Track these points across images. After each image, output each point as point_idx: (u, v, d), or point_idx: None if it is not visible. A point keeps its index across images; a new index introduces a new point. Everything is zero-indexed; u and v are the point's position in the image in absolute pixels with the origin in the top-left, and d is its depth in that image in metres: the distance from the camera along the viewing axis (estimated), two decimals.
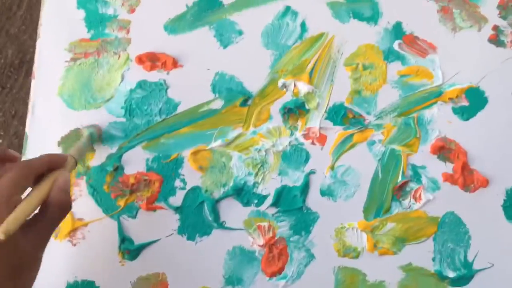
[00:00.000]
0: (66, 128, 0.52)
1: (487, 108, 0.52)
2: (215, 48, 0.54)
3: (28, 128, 0.52)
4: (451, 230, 0.49)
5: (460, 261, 0.48)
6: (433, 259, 0.49)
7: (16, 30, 0.73)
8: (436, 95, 0.52)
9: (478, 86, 0.53)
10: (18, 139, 0.76)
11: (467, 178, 0.50)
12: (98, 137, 0.50)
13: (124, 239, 0.49)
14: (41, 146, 0.52)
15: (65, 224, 0.49)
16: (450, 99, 0.52)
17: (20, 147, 0.53)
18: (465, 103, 0.52)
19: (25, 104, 0.54)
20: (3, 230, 0.29)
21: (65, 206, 0.35)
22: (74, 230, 0.49)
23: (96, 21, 0.55)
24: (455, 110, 0.52)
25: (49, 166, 0.36)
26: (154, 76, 0.53)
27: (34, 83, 0.54)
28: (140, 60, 0.54)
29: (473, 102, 0.52)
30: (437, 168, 0.50)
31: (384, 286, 0.48)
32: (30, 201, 0.32)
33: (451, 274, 0.48)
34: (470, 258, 0.48)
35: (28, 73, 0.57)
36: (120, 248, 0.49)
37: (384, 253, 0.48)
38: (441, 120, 0.52)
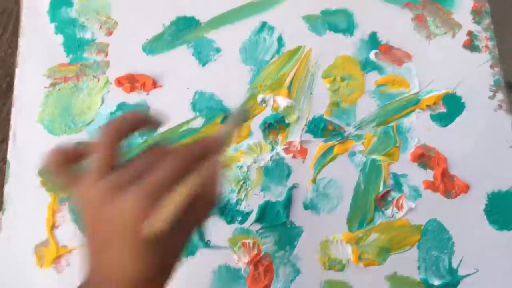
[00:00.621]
0: None
1: (464, 113, 0.53)
2: (194, 66, 0.55)
3: (10, 155, 0.52)
4: (435, 237, 0.49)
5: (445, 268, 0.49)
6: (418, 268, 0.49)
7: (2, 54, 0.73)
8: (413, 103, 0.53)
9: (454, 92, 0.53)
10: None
11: (448, 185, 0.50)
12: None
13: None
14: (23, 173, 0.51)
15: (50, 252, 0.49)
16: (428, 106, 0.53)
17: None
18: (442, 109, 0.53)
19: None
20: (152, 228, 0.27)
21: (213, 203, 0.32)
22: (58, 258, 0.49)
23: (75, 46, 0.56)
24: (433, 117, 0.52)
25: (206, 152, 0.32)
26: (134, 97, 0.54)
27: (14, 110, 0.54)
28: (119, 82, 0.54)
29: (450, 108, 0.53)
30: (418, 176, 0.51)
31: None
32: (180, 195, 0.29)
33: (437, 282, 0.48)
34: (454, 265, 0.49)
35: None
36: None
37: (370, 264, 0.49)
38: (420, 128, 0.52)
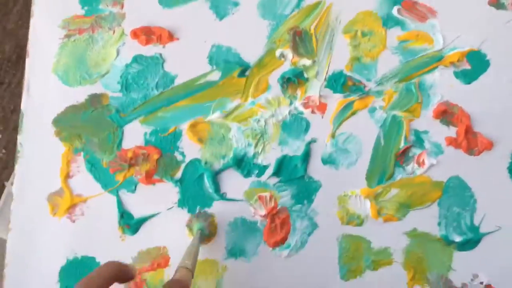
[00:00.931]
0: (62, 105, 0.51)
1: (489, 71, 0.51)
2: (211, 20, 0.54)
3: (23, 106, 0.52)
4: (456, 194, 0.48)
5: (466, 225, 0.47)
6: (439, 224, 0.48)
7: (13, 25, 0.73)
8: (437, 59, 0.51)
9: (479, 50, 0.52)
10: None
11: (471, 141, 0.49)
12: (210, 228, 0.48)
13: (123, 214, 0.48)
14: (37, 124, 0.51)
15: (64, 201, 0.49)
16: (452, 63, 0.51)
17: None
18: (466, 66, 0.51)
19: None
20: None
21: None
22: (73, 207, 0.49)
23: None
24: (457, 74, 0.51)
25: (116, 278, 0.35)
26: (150, 50, 0.53)
27: (28, 62, 0.53)
28: (135, 34, 0.53)
29: (474, 65, 0.51)
30: (440, 133, 0.49)
31: (389, 252, 0.47)
32: None
33: (458, 239, 0.47)
34: (476, 222, 0.47)
35: None
36: (120, 223, 0.48)
37: (389, 220, 0.48)
38: (443, 85, 0.51)
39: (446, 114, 0.50)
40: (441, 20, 0.53)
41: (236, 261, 0.47)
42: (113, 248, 0.48)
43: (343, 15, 0.53)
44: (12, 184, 0.50)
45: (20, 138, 0.51)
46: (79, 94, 0.51)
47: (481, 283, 0.46)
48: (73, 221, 0.49)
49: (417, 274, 0.47)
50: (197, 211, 0.48)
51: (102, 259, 0.48)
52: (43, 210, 0.49)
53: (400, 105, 0.50)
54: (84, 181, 0.49)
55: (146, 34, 0.53)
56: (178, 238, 0.48)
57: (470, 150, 0.49)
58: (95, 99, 0.51)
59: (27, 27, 0.55)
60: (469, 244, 0.47)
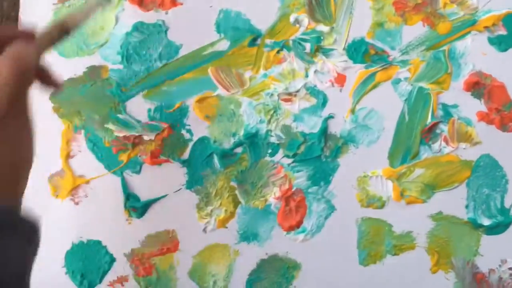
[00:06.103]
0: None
1: None
2: None
3: None
4: (487, 174, 0.45)
5: (496, 207, 0.44)
6: (467, 207, 0.45)
7: None
8: (469, 24, 0.46)
9: None
10: None
11: (505, 116, 0.45)
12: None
13: (129, 196, 0.46)
14: (35, 99, 0.47)
15: (66, 182, 0.46)
16: (486, 28, 0.46)
17: None
18: (502, 31, 0.46)
19: None
20: None
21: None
22: (75, 188, 0.46)
23: None
24: (491, 40, 0.46)
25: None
26: (152, 16, 0.48)
27: None
28: None
29: (511, 30, 0.46)
30: (471, 107, 0.46)
31: (412, 237, 0.45)
32: None
33: (486, 222, 0.45)
34: (507, 204, 0.44)
35: None
36: (126, 205, 0.46)
37: (412, 202, 0.45)
38: (475, 53, 0.46)
39: (478, 85, 0.45)
40: None
41: (248, 245, 0.45)
42: (119, 231, 0.46)
43: None
44: None
45: None
46: (76, 66, 0.48)
47: (510, 269, 0.44)
48: (77, 203, 0.46)
49: (441, 259, 0.45)
50: None
51: (108, 243, 0.46)
52: (45, 192, 0.46)
53: (428, 76, 0.46)
54: (86, 161, 0.46)
55: None
56: (187, 221, 0.46)
57: (504, 125, 0.45)
58: (93, 72, 0.48)
59: None
60: (499, 228, 0.44)
